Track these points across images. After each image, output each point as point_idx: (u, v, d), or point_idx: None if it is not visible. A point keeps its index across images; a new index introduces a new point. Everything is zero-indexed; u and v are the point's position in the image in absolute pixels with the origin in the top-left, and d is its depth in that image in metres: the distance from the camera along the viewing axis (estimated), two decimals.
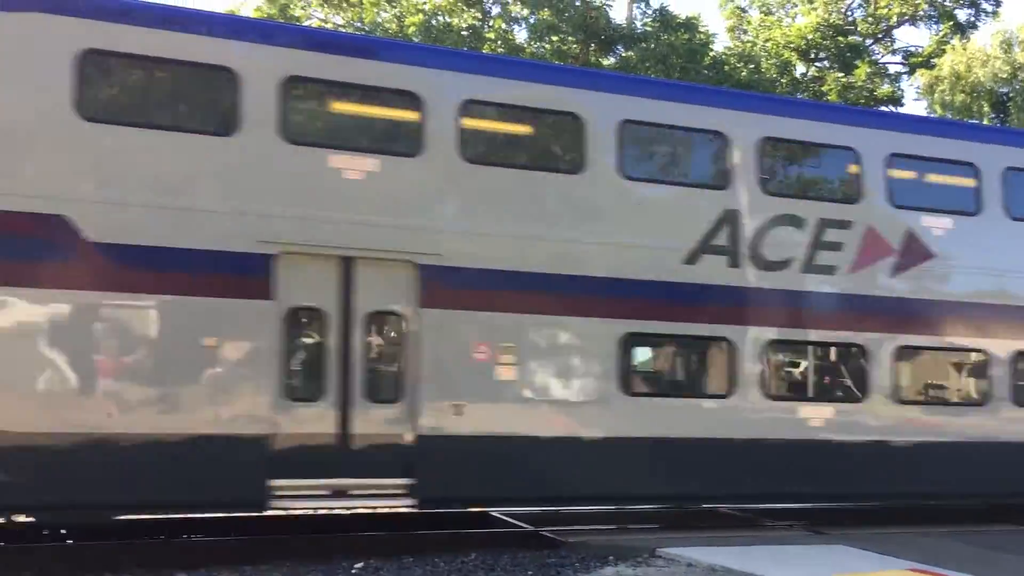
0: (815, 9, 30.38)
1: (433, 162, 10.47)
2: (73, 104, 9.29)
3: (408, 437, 10.23)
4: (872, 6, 31.10)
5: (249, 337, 9.73)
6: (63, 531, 10.41)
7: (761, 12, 32.32)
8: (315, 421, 10.00)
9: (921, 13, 30.92)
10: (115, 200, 9.32)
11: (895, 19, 31.16)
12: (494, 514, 12.45)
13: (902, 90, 30.76)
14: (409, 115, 10.55)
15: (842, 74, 28.36)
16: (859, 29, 31.03)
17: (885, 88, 29.61)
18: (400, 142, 10.72)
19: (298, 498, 10.05)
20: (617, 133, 11.14)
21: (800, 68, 29.78)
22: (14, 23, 9.32)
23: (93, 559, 9.38)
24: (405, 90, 10.53)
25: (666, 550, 10.18)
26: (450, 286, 10.35)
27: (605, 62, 26.16)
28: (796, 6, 31.97)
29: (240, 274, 9.68)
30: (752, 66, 27.55)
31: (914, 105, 31.67)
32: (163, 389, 9.46)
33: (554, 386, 10.81)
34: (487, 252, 10.59)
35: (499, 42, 25.38)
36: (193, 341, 9.48)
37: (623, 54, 25.83)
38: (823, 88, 28.15)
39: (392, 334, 10.55)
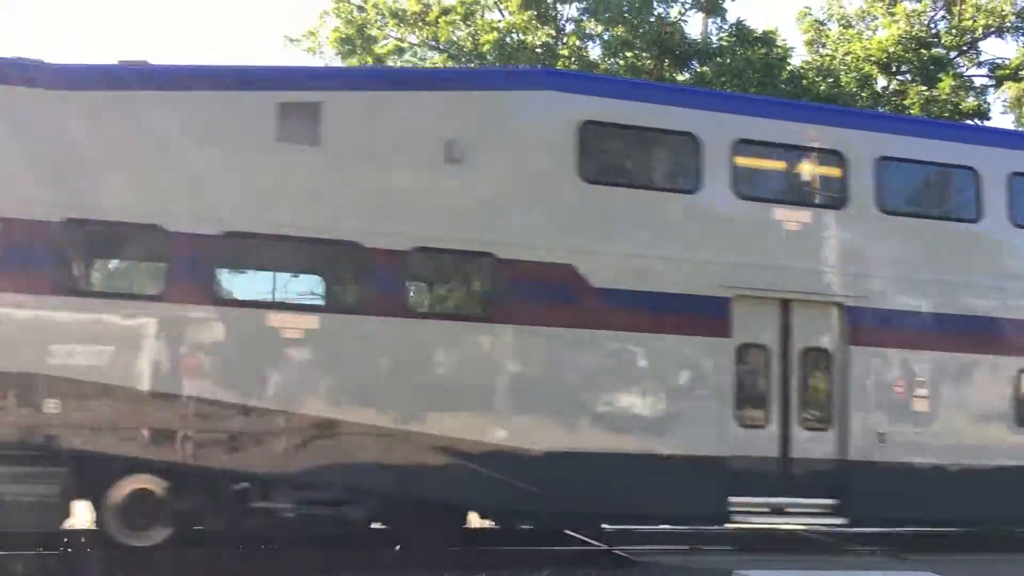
0: (896, 22, 29.72)
1: (856, 213, 11.78)
2: (576, 168, 10.81)
3: (838, 461, 11.40)
4: (956, 18, 30.31)
5: (713, 370, 11.10)
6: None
7: (840, 25, 31.74)
8: (762, 445, 11.32)
9: (1008, 24, 29.97)
10: (609, 251, 10.85)
11: (980, 31, 30.24)
12: (568, 532, 12.38)
13: (988, 103, 29.83)
14: (835, 171, 11.94)
15: (925, 87, 27.67)
16: (943, 41, 30.24)
17: (971, 101, 28.78)
18: (828, 196, 12.06)
19: (748, 514, 11.16)
20: (1008, 184, 12.29)
21: (881, 82, 29.15)
22: (528, 100, 11.10)
23: (141, 567, 9.54)
24: (832, 149, 11.90)
25: (743, 572, 10.01)
26: (873, 326, 11.60)
27: (680, 78, 25.98)
28: (876, 19, 31.29)
29: (707, 315, 11.07)
30: (831, 80, 27.04)
31: (1001, 119, 30.48)
32: (650, 415, 10.85)
33: (961, 418, 11.91)
34: (904, 295, 11.79)
35: (573, 59, 25.38)
36: (671, 373, 10.95)
37: (698, 69, 25.61)
38: (905, 102, 27.51)
39: (823, 369, 11.74)
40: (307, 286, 11.98)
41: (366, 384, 10.10)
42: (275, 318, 10.00)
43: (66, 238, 9.60)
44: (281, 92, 10.35)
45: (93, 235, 10.08)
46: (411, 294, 10.90)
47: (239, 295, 10.90)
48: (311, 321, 10.11)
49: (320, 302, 11.77)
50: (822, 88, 25.97)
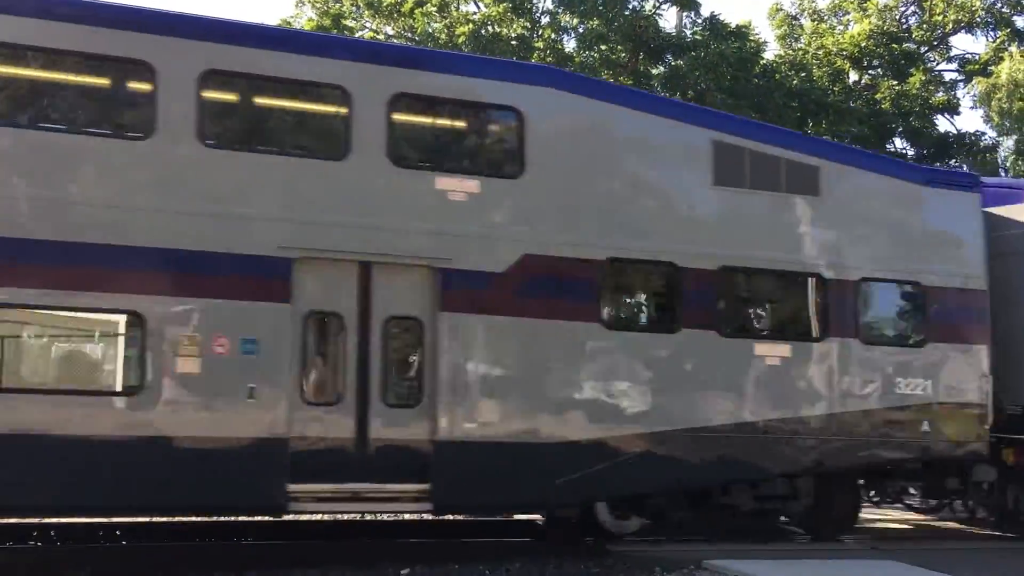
0: (868, 16, 30.01)
1: None
2: None
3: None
4: (927, 13, 30.64)
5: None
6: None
7: (812, 20, 31.98)
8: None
9: (978, 20, 30.33)
10: None
11: (951, 26, 30.61)
12: (540, 523, 12.49)
13: (958, 98, 30.22)
14: None
15: (896, 82, 27.97)
16: (914, 36, 30.56)
17: (940, 96, 29.11)
18: None
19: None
20: None
21: (853, 76, 29.43)
22: None
23: (116, 560, 9.62)
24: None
25: (712, 562, 10.15)
26: None
27: (654, 71, 26.09)
28: (848, 14, 31.58)
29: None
30: (803, 74, 27.27)
31: (970, 114, 30.86)
32: None
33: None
34: None
35: (548, 51, 25.44)
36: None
37: (673, 63, 25.75)
38: (876, 96, 27.80)
39: None
40: None
41: None
42: None
43: None
44: None
45: None
46: None
47: None
48: None
49: None
50: (795, 82, 26.18)
